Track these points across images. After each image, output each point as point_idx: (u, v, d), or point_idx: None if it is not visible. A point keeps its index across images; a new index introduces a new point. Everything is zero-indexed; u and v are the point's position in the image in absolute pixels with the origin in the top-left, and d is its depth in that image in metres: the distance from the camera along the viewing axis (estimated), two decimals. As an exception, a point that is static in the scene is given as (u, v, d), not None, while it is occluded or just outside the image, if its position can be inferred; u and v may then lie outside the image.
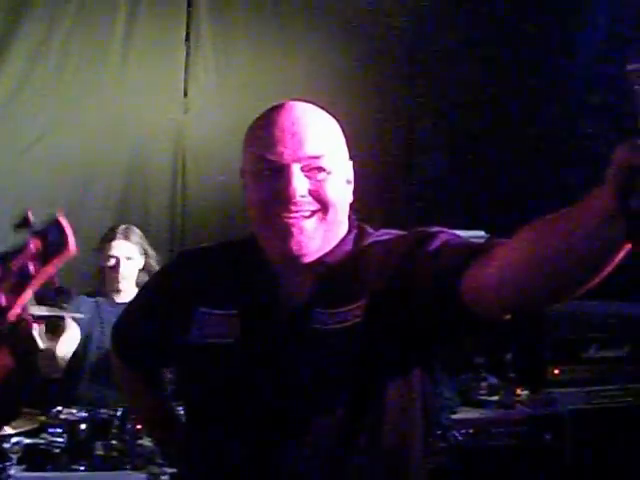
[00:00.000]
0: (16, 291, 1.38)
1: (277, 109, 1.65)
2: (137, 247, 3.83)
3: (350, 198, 1.70)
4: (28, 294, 1.39)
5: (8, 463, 2.94)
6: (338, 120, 1.71)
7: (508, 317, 1.47)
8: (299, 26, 4.99)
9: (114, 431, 3.16)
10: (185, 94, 4.89)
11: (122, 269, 3.78)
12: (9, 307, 1.37)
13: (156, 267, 3.69)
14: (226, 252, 1.82)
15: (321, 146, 1.62)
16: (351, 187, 1.71)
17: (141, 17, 4.76)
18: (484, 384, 3.99)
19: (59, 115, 4.61)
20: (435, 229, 1.63)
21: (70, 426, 3.17)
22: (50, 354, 3.68)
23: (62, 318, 3.61)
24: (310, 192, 1.60)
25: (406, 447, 1.66)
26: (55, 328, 3.75)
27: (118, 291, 3.81)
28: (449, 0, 5.10)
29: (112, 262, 3.80)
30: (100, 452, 3.11)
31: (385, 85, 4.98)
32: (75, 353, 3.77)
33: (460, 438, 3.64)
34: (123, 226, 3.90)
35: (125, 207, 4.77)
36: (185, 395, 1.83)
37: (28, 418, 3.13)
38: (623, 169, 1.07)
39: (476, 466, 3.63)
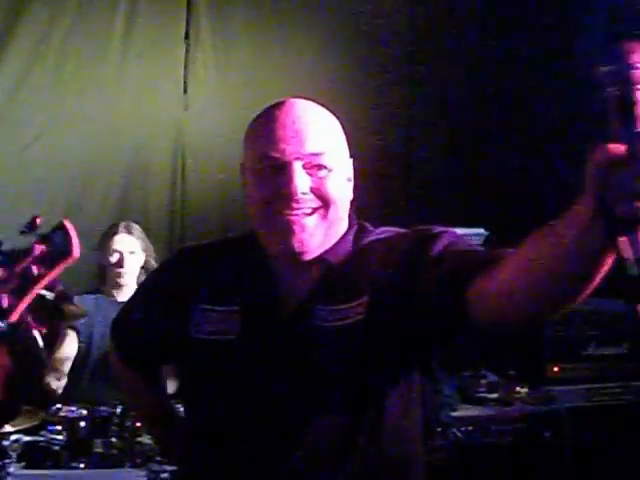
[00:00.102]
0: (19, 293, 1.39)
1: (278, 106, 1.65)
2: (139, 242, 3.84)
3: (350, 195, 1.71)
4: (31, 297, 1.40)
5: (8, 461, 2.93)
6: (338, 118, 1.71)
7: (510, 330, 1.49)
8: (299, 23, 4.99)
9: (114, 429, 3.16)
10: (185, 91, 4.88)
11: (126, 263, 3.78)
12: (11, 309, 1.38)
13: (155, 265, 3.70)
14: (226, 249, 1.82)
15: (322, 144, 1.62)
16: (351, 184, 1.72)
17: (140, 14, 4.75)
18: (483, 381, 3.99)
19: (58, 113, 4.61)
20: (437, 229, 1.63)
21: (70, 424, 3.17)
22: (57, 361, 3.71)
23: (62, 312, 3.61)
24: (311, 189, 1.60)
25: (405, 445, 1.66)
26: (54, 338, 3.77)
27: (120, 287, 3.81)
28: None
29: (116, 257, 3.80)
30: (100, 450, 3.11)
31: (385, 83, 4.98)
32: (79, 352, 3.78)
33: (460, 435, 3.64)
34: (124, 222, 3.91)
35: (124, 205, 4.76)
36: (185, 392, 1.83)
37: (28, 416, 3.13)
38: (600, 169, 1.08)
39: (475, 463, 3.63)
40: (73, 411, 3.24)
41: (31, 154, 4.55)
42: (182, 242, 4.66)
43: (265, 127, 1.63)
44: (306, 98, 1.69)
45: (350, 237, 1.70)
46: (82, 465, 3.07)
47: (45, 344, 3.73)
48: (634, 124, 0.99)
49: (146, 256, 3.84)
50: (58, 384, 3.66)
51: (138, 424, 3.05)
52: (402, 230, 1.74)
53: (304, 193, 1.59)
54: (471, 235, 3.81)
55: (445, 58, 5.01)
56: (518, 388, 3.99)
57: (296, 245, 1.60)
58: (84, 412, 3.23)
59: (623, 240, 1.05)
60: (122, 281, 3.79)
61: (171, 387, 2.62)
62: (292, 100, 1.67)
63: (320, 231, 1.62)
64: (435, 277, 1.51)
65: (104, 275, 3.87)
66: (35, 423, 3.15)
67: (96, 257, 3.88)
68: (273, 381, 1.61)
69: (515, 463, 3.70)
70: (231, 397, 1.65)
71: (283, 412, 1.61)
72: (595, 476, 3.75)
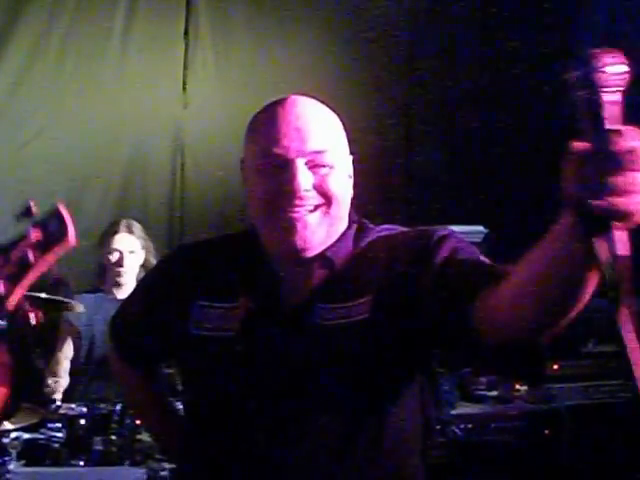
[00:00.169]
0: (15, 280, 1.39)
1: (280, 103, 1.64)
2: (140, 241, 3.83)
3: (351, 193, 1.70)
4: (27, 283, 1.40)
5: (7, 458, 2.94)
6: (337, 115, 1.71)
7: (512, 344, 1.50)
8: (298, 20, 4.99)
9: (113, 426, 3.16)
10: (184, 88, 4.89)
11: (125, 262, 3.78)
12: (8, 295, 1.38)
13: (155, 263, 3.70)
14: (225, 245, 1.81)
15: (325, 141, 1.62)
16: (351, 182, 1.71)
17: (140, 12, 4.76)
18: (483, 379, 4.00)
19: (58, 111, 4.61)
20: (442, 232, 1.62)
21: (69, 421, 3.17)
22: (57, 361, 3.72)
23: (63, 305, 3.62)
24: (314, 186, 1.59)
25: (405, 443, 1.66)
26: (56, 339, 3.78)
27: (119, 286, 3.80)
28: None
29: (115, 256, 3.79)
30: (99, 447, 3.12)
31: (384, 81, 4.98)
32: (78, 350, 3.79)
33: (459, 433, 3.64)
34: (125, 220, 3.90)
35: (124, 202, 4.77)
36: (184, 389, 1.82)
37: (27, 413, 3.14)
38: (570, 167, 1.10)
39: (475, 461, 3.64)
40: (73, 409, 3.24)
41: (31, 151, 4.55)
42: (181, 239, 4.67)
43: (267, 124, 1.62)
44: (306, 95, 1.69)
45: (350, 235, 1.69)
46: (82, 463, 3.08)
47: (45, 344, 3.74)
48: (601, 125, 1.02)
49: (146, 254, 3.84)
50: (57, 384, 3.66)
51: (138, 422, 3.05)
52: (404, 229, 1.74)
53: (307, 190, 1.58)
54: (470, 233, 3.82)
55: (445, 56, 5.01)
56: (517, 386, 3.99)
57: (298, 242, 1.60)
58: (84, 410, 3.23)
59: (600, 243, 1.06)
60: (121, 280, 3.79)
61: None
62: (294, 97, 1.66)
63: (322, 228, 1.62)
64: (440, 287, 1.51)
65: (104, 273, 3.87)
66: (35, 421, 3.16)
67: (95, 254, 3.88)
68: (273, 378, 1.61)
69: (514, 461, 3.70)
70: (231, 394, 1.65)
71: (283, 409, 1.60)
72: (594, 474, 3.75)
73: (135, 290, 2.08)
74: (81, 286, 3.93)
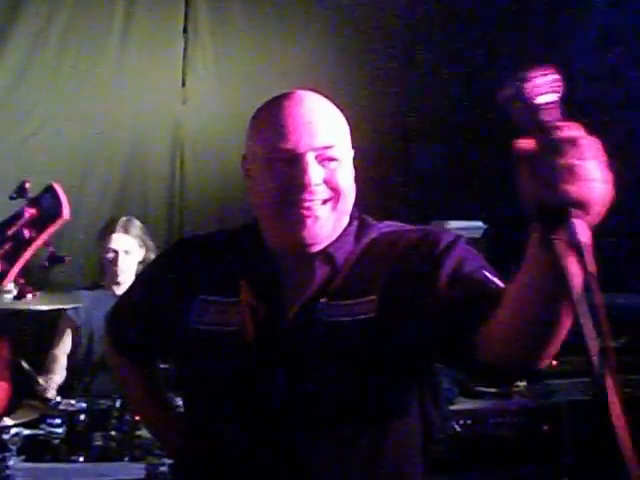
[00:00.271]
0: (12, 257, 1.39)
1: (287, 98, 1.64)
2: (136, 240, 3.83)
3: (354, 188, 1.70)
4: (23, 260, 1.40)
5: (8, 454, 2.94)
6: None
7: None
8: (297, 16, 4.98)
9: (113, 422, 3.17)
10: (183, 84, 4.88)
11: (120, 263, 3.78)
12: (5, 273, 1.39)
13: (154, 259, 3.69)
14: (226, 239, 1.81)
15: (333, 136, 1.63)
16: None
17: (139, 8, 4.75)
18: (482, 375, 3.99)
19: (58, 107, 4.60)
20: (448, 239, 1.63)
21: (69, 417, 3.18)
22: (53, 356, 3.72)
23: (62, 310, 3.63)
24: (324, 181, 1.60)
25: (406, 443, 1.66)
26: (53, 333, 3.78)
27: (118, 283, 3.81)
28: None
29: (111, 255, 3.80)
30: (99, 443, 3.13)
31: (382, 76, 4.97)
32: (79, 347, 3.79)
33: (458, 429, 3.65)
34: (124, 218, 3.89)
35: (124, 197, 4.76)
36: (184, 384, 1.81)
37: (27, 409, 3.14)
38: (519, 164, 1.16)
39: (474, 456, 3.64)
40: (73, 404, 3.25)
41: (30, 147, 4.55)
42: (181, 234, 4.66)
43: (275, 118, 1.61)
44: (310, 90, 1.69)
45: (352, 231, 1.69)
46: (81, 458, 3.08)
47: (43, 339, 3.74)
48: (541, 124, 1.09)
49: (146, 252, 3.84)
50: (50, 382, 3.63)
51: (137, 418, 3.05)
52: (406, 226, 1.74)
53: (317, 184, 1.59)
54: (469, 228, 3.83)
55: (442, 50, 5.01)
56: (517, 381, 3.99)
57: (307, 236, 1.60)
58: (84, 405, 3.23)
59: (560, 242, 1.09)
60: (118, 279, 3.80)
61: None
62: (300, 92, 1.66)
63: (330, 223, 1.62)
64: (446, 311, 1.52)
65: (103, 270, 3.87)
66: (35, 416, 3.16)
67: (96, 248, 3.89)
68: (275, 373, 1.60)
69: (513, 456, 3.70)
70: (231, 388, 1.64)
71: (285, 405, 1.60)
72: (593, 470, 3.76)
73: (134, 284, 2.07)
74: (82, 281, 3.93)
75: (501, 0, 5.10)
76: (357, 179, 1.71)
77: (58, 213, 1.39)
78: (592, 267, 1.06)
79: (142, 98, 4.76)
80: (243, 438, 1.62)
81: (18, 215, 1.40)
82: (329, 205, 1.61)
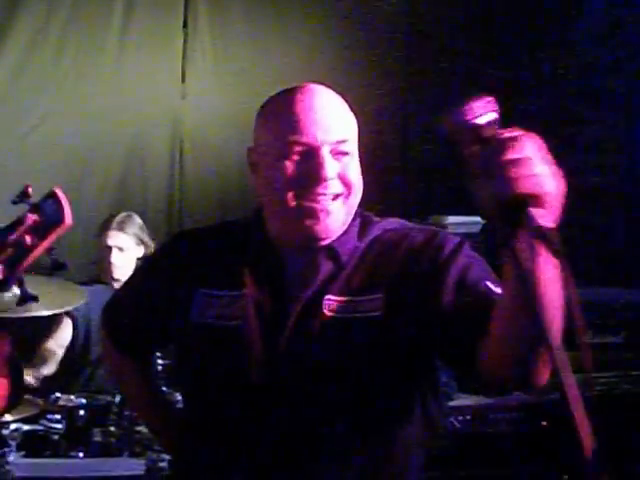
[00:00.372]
0: (13, 264, 1.39)
1: (299, 91, 1.63)
2: (133, 238, 3.81)
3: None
4: (25, 267, 1.40)
5: (7, 449, 2.95)
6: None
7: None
8: (296, 12, 4.98)
9: (112, 417, 3.17)
10: (183, 80, 4.88)
11: (113, 259, 3.77)
12: (6, 280, 1.38)
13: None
14: (227, 232, 1.80)
15: (346, 130, 1.63)
16: None
17: (139, 3, 4.75)
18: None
19: (57, 102, 4.61)
20: (453, 243, 1.63)
21: (69, 412, 3.18)
22: (43, 349, 3.70)
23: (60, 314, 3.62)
24: (337, 175, 1.60)
25: (408, 442, 1.65)
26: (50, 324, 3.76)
27: (114, 280, 3.80)
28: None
29: (106, 252, 3.80)
30: (98, 438, 3.13)
31: (381, 72, 4.97)
32: (76, 342, 3.78)
33: (457, 425, 3.65)
34: (123, 214, 3.88)
35: (123, 192, 4.77)
36: (185, 379, 1.80)
37: (27, 405, 3.14)
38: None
39: (473, 452, 3.64)
40: (72, 400, 3.25)
41: (30, 142, 4.55)
42: (180, 229, 4.67)
43: (289, 111, 1.60)
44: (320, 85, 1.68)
45: (355, 227, 1.68)
46: (81, 454, 3.08)
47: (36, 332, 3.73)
48: (484, 137, 1.18)
49: (145, 249, 3.83)
50: (38, 374, 3.61)
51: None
52: (409, 224, 1.74)
53: (331, 178, 1.58)
54: (467, 223, 3.83)
55: (441, 46, 5.00)
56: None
57: (319, 230, 1.60)
58: (83, 401, 3.23)
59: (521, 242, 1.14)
60: (113, 275, 3.79)
61: None
62: (312, 85, 1.66)
63: (340, 217, 1.62)
64: (450, 322, 1.53)
65: (101, 265, 3.87)
66: (34, 412, 3.16)
67: (96, 244, 3.88)
68: (279, 367, 1.59)
69: (512, 452, 3.70)
70: (232, 382, 1.63)
71: (287, 400, 1.59)
72: (591, 465, 3.76)
73: (132, 277, 2.04)
74: (81, 274, 3.93)
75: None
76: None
77: (60, 219, 1.39)
78: (559, 253, 1.12)
79: (142, 93, 4.76)
80: (244, 434, 1.61)
81: (20, 221, 1.39)
82: (340, 200, 1.61)
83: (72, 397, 3.27)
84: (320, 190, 1.57)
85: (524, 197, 1.13)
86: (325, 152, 1.58)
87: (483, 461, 3.65)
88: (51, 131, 4.56)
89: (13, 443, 2.99)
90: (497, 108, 1.19)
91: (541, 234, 1.11)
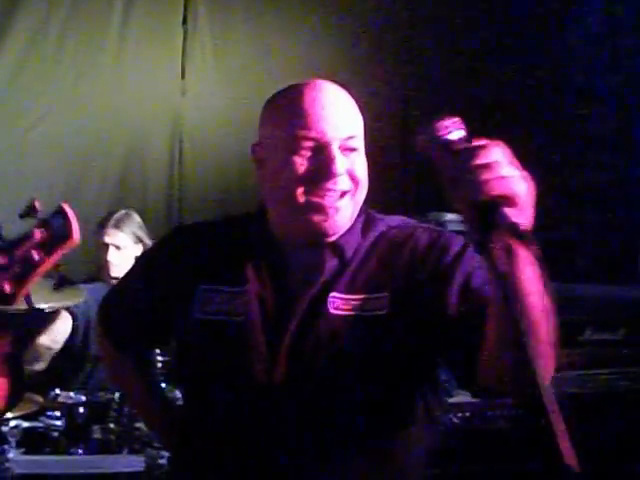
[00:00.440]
0: (20, 279, 1.39)
1: (308, 87, 1.63)
2: (130, 236, 3.80)
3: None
4: (32, 282, 1.40)
5: (7, 446, 2.95)
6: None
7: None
8: (296, 8, 4.98)
9: (112, 414, 3.17)
10: (182, 76, 4.88)
11: (110, 257, 3.77)
12: (13, 295, 1.38)
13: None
14: (228, 227, 1.79)
15: (354, 126, 1.63)
16: None
17: (138, 0, 4.75)
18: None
19: (57, 100, 4.61)
20: (457, 245, 1.63)
21: (68, 410, 3.18)
22: (36, 345, 3.69)
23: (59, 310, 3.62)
24: (346, 171, 1.60)
25: (410, 441, 1.66)
26: (45, 320, 3.75)
27: (111, 277, 3.80)
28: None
29: (103, 250, 3.80)
30: (98, 435, 3.13)
31: (381, 67, 4.97)
32: (76, 339, 3.78)
33: (456, 421, 3.65)
34: (122, 212, 3.88)
35: (123, 189, 4.77)
36: (186, 376, 1.79)
37: (26, 402, 3.14)
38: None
39: (471, 449, 3.64)
40: (72, 397, 3.25)
41: (30, 140, 4.55)
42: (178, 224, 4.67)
43: (298, 106, 1.60)
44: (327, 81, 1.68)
45: (359, 224, 1.68)
46: (80, 451, 3.08)
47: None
48: (455, 149, 1.26)
49: (143, 246, 3.83)
50: (29, 371, 3.60)
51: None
52: (412, 222, 1.73)
53: (341, 174, 1.58)
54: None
55: (441, 40, 5.00)
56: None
57: (328, 226, 1.60)
58: (83, 398, 3.23)
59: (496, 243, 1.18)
60: (110, 272, 3.79)
61: None
62: (320, 81, 1.66)
63: (348, 214, 1.62)
64: (453, 329, 1.54)
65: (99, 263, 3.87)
66: (34, 409, 3.16)
67: (95, 241, 3.88)
68: (283, 365, 1.58)
69: (511, 449, 3.70)
70: (235, 377, 1.63)
71: (291, 397, 1.58)
72: (589, 462, 3.76)
73: (128, 273, 1.99)
74: (80, 272, 3.93)
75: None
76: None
77: (68, 235, 1.38)
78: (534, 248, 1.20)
79: (141, 90, 4.76)
80: (246, 432, 1.61)
81: (27, 236, 1.39)
82: (348, 196, 1.61)
83: (72, 394, 3.27)
84: (329, 186, 1.57)
85: (495, 198, 1.19)
86: (335, 147, 1.58)
87: (482, 458, 3.66)
88: (51, 128, 4.56)
89: (13, 440, 2.99)
90: (464, 126, 1.30)
91: (514, 230, 1.18)
